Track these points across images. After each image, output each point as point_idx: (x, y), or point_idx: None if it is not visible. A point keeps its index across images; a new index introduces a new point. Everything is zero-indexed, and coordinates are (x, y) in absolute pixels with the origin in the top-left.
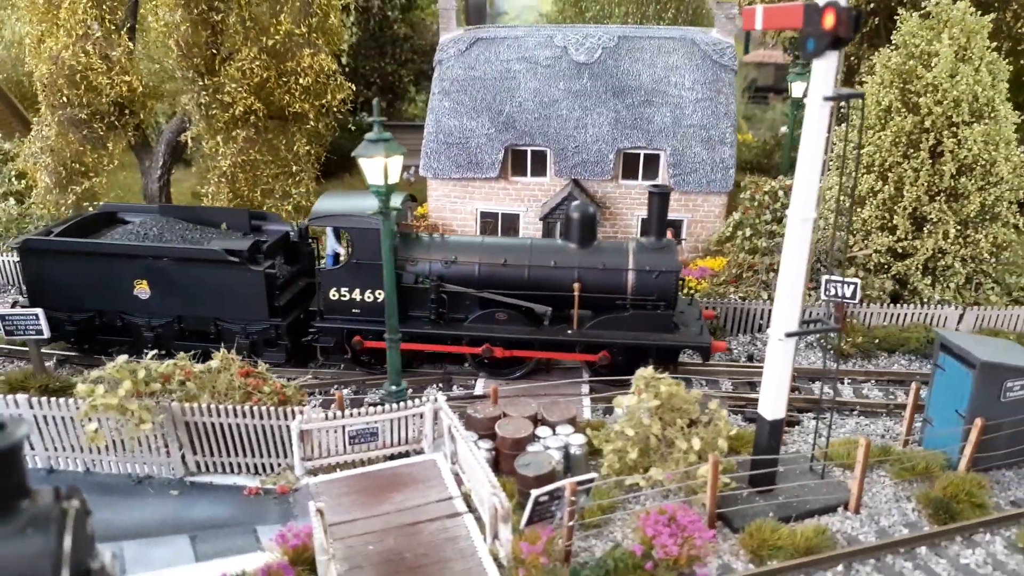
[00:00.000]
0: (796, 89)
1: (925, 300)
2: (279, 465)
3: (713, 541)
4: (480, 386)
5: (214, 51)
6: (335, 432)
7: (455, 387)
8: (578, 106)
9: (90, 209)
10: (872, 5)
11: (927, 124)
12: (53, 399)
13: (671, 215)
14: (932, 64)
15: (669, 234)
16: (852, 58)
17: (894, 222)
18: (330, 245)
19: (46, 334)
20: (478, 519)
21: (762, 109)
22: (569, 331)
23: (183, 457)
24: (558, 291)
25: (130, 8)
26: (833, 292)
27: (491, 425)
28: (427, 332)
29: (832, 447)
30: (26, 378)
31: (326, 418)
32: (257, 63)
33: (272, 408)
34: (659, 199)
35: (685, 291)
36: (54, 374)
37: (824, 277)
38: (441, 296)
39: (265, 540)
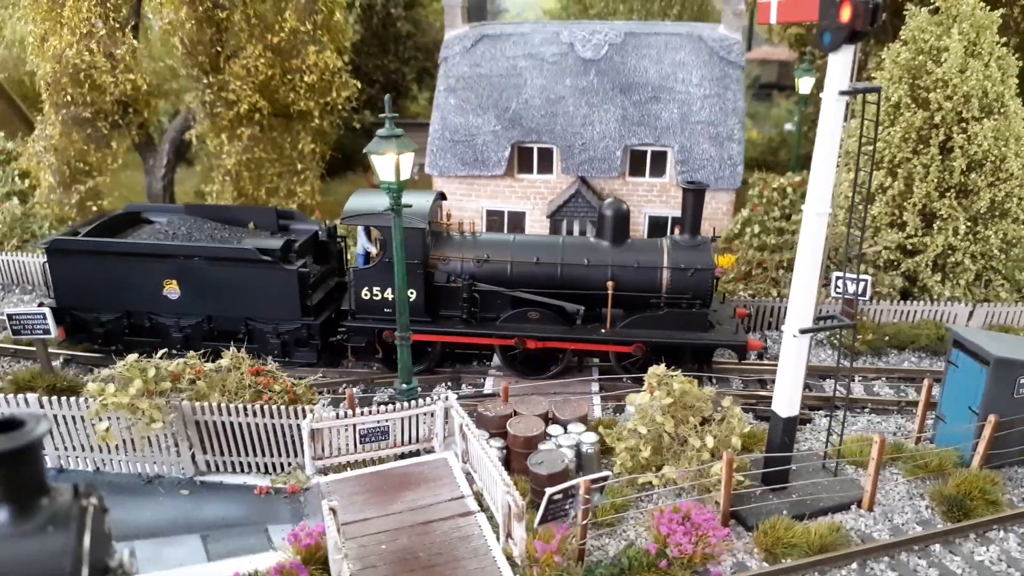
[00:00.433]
0: (803, 85)
1: (935, 297)
2: (289, 464)
3: (727, 539)
4: (490, 384)
5: (218, 49)
6: (346, 431)
7: (465, 386)
8: (585, 103)
9: (94, 208)
10: (880, 0)
11: (937, 120)
12: (64, 398)
13: (678, 213)
14: (942, 59)
15: (676, 232)
16: (860, 54)
17: (904, 219)
18: (361, 244)
19: (53, 334)
20: (490, 518)
21: (766, 106)
22: (602, 330)
23: (193, 456)
24: (591, 289)
25: (134, 6)
26: (844, 289)
27: (502, 423)
28: (459, 331)
29: (844, 445)
30: (33, 378)
31: (337, 417)
32: (262, 61)
33: (282, 407)
34: (694, 196)
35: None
36: (61, 374)
37: (835, 274)
38: (473, 295)
39: (277, 539)
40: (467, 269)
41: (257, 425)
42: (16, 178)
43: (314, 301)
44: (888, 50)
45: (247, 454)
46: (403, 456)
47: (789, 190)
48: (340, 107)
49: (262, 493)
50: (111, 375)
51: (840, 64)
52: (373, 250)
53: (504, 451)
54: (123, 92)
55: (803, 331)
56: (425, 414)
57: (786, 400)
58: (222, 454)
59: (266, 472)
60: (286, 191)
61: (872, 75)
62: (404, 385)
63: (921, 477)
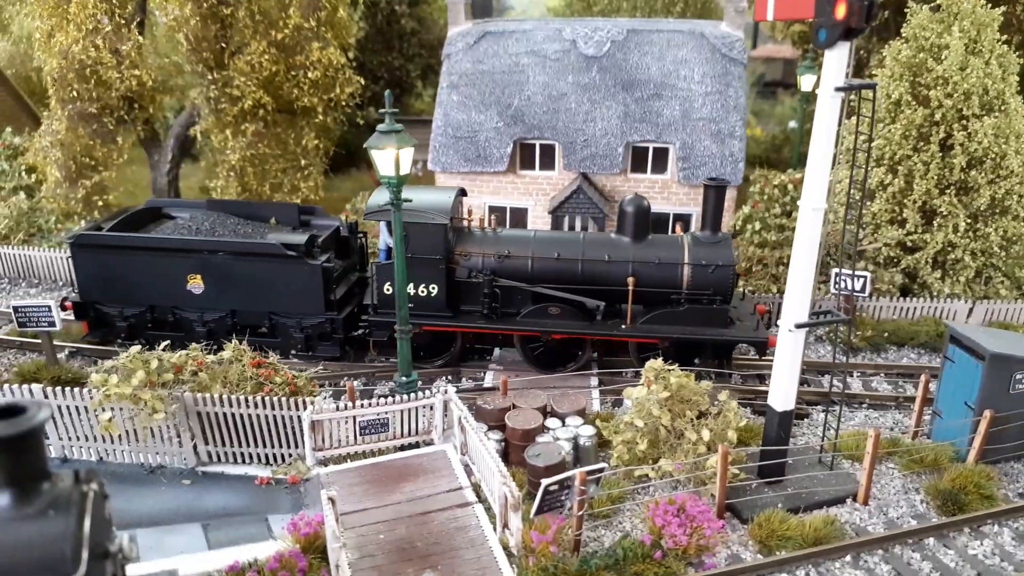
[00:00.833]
0: (805, 83)
1: (935, 294)
2: (290, 455)
3: (722, 531)
4: (490, 378)
5: (223, 45)
6: (346, 423)
7: (465, 379)
8: (587, 99)
9: (99, 203)
10: None
11: (937, 117)
12: (67, 389)
13: (679, 209)
14: (942, 57)
15: (679, 229)
16: (862, 52)
17: (904, 215)
18: (383, 239)
19: (58, 326)
20: (488, 509)
21: (771, 104)
22: (623, 326)
23: (195, 447)
24: (611, 285)
25: (139, 2)
26: (843, 285)
27: (501, 416)
28: (480, 326)
29: (841, 439)
30: (38, 369)
31: (337, 409)
32: (266, 57)
33: (283, 399)
34: (715, 192)
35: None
36: (66, 365)
37: (834, 270)
38: (494, 290)
39: (277, 529)
40: (488, 265)
41: (258, 416)
42: (23, 173)
43: (337, 296)
44: (889, 47)
45: (248, 445)
46: (403, 448)
47: (790, 187)
48: (344, 103)
49: (263, 483)
50: (114, 366)
51: (836, 61)
52: None
53: (503, 443)
54: (128, 88)
55: (799, 326)
56: (424, 407)
57: (782, 394)
58: (224, 445)
59: (267, 463)
60: (290, 187)
61: (873, 72)
62: (404, 378)
63: (917, 472)
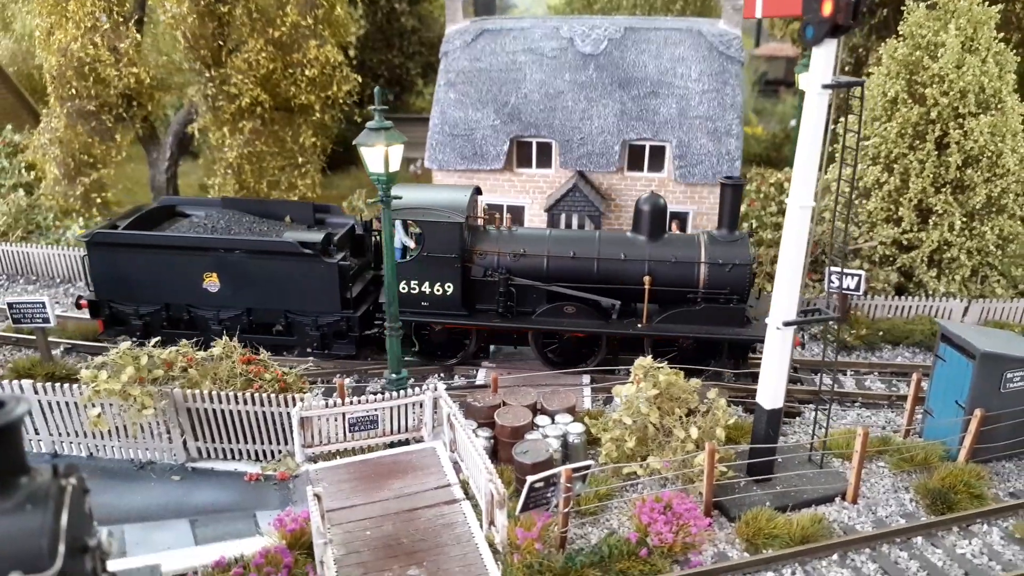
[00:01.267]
0: (803, 81)
1: (930, 292)
2: (280, 452)
3: (709, 529)
4: (482, 376)
5: (220, 43)
6: (335, 420)
7: (457, 376)
8: (584, 97)
9: (98, 200)
10: None
11: (933, 115)
12: (57, 384)
13: (676, 207)
14: (938, 55)
15: (674, 227)
16: (861, 50)
17: (899, 214)
18: (398, 238)
19: (52, 322)
20: (475, 506)
21: (772, 102)
22: (639, 325)
23: (185, 443)
24: (627, 284)
25: (138, 0)
26: (838, 284)
27: (490, 414)
28: (496, 325)
29: (832, 437)
30: (33, 366)
31: (326, 406)
32: (263, 55)
33: (273, 395)
34: (732, 191)
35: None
36: (60, 362)
37: (829, 269)
38: (510, 289)
39: (264, 525)
40: (503, 263)
41: (248, 413)
42: (23, 170)
43: (353, 294)
44: (886, 45)
45: (238, 441)
46: (392, 445)
47: (786, 185)
48: (341, 101)
49: (252, 480)
50: (104, 362)
51: (823, 58)
52: (411, 244)
53: (492, 441)
54: (127, 85)
55: (787, 323)
56: (414, 404)
57: (770, 392)
58: (213, 441)
59: (257, 459)
60: (287, 184)
61: (871, 71)
62: (393, 375)
63: (907, 471)
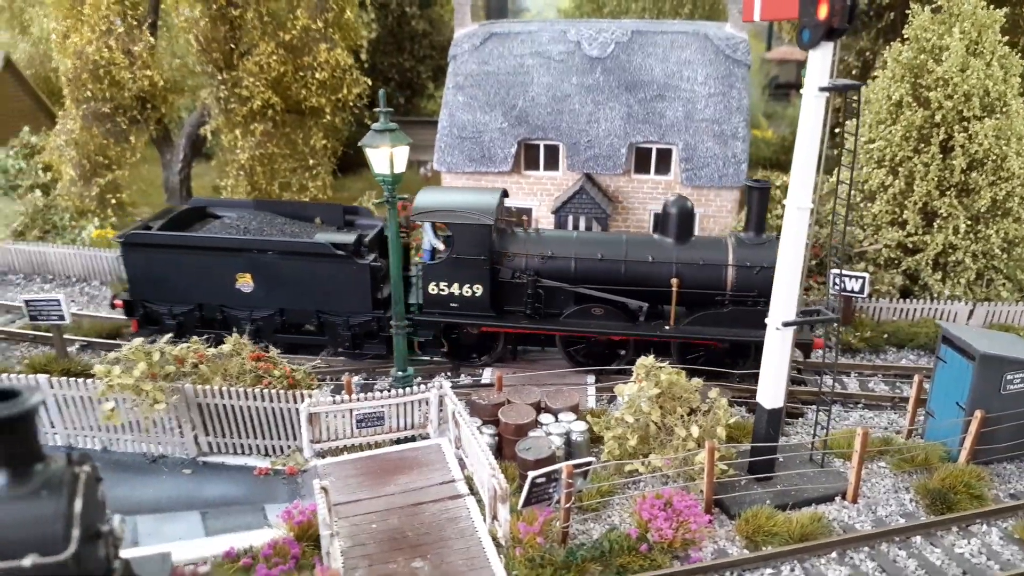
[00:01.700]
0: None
1: (935, 295)
2: (288, 447)
3: (709, 526)
4: (487, 375)
5: (232, 46)
6: (343, 416)
7: (463, 375)
8: (591, 100)
9: (112, 200)
10: (888, 0)
11: (938, 119)
12: (72, 379)
13: None
14: (943, 58)
15: None
16: (868, 53)
17: (904, 217)
18: (427, 239)
19: (67, 320)
20: (479, 501)
21: (783, 106)
22: (667, 327)
23: (196, 438)
24: (654, 286)
25: (152, 4)
26: (841, 286)
27: (495, 412)
28: (524, 326)
29: (833, 438)
30: (49, 362)
31: (334, 402)
32: (274, 58)
33: (281, 391)
34: (759, 193)
35: None
36: (76, 358)
37: (832, 271)
38: (538, 291)
39: (273, 518)
40: (531, 265)
41: (257, 409)
42: (39, 171)
43: (384, 294)
44: (890, 48)
45: (248, 436)
46: (399, 441)
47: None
48: (351, 104)
49: (261, 474)
50: (117, 358)
51: (819, 60)
52: (440, 246)
53: (496, 438)
54: (141, 88)
55: (786, 324)
56: (420, 401)
57: (770, 392)
58: (224, 436)
59: (266, 454)
60: (298, 186)
61: (876, 74)
62: (400, 372)
63: (907, 471)
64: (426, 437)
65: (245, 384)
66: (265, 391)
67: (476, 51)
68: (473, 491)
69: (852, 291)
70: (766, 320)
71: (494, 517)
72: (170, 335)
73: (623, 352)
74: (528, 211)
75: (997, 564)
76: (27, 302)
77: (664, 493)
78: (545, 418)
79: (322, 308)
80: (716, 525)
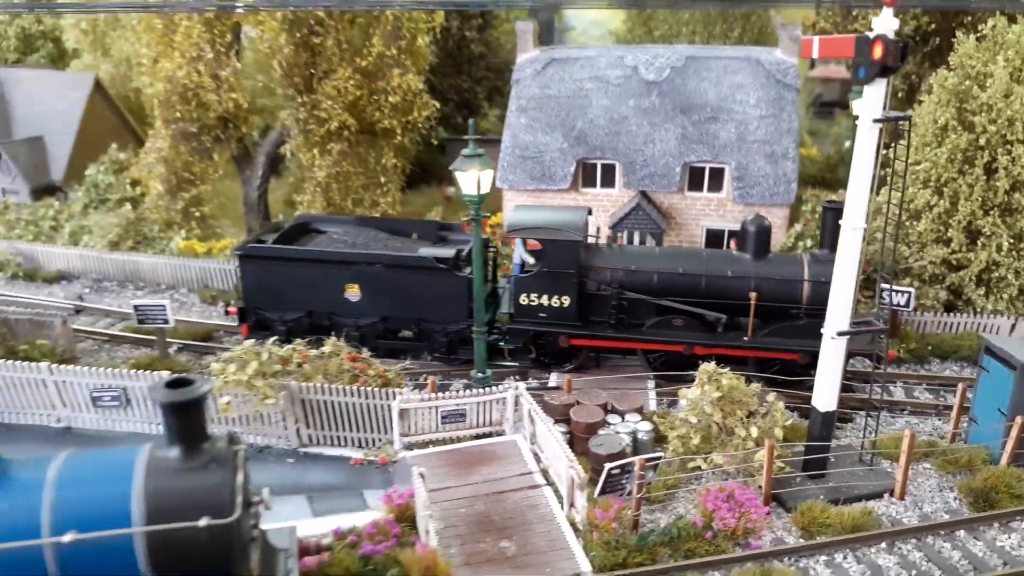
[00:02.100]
0: (856, 106)
1: (978, 310)
2: (380, 440)
3: (768, 518)
4: (553, 379)
5: (312, 71)
6: (430, 412)
7: (531, 379)
8: (647, 122)
9: (195, 214)
10: (933, 26)
11: (981, 142)
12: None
13: (734, 226)
14: (987, 84)
15: (732, 244)
16: (913, 76)
17: (949, 235)
18: (518, 254)
19: (171, 323)
20: (555, 492)
21: (827, 124)
22: (745, 338)
23: (298, 430)
24: (732, 299)
25: (235, 31)
26: (889, 300)
27: (566, 411)
28: (609, 336)
29: (881, 442)
30: (152, 362)
31: (422, 399)
32: (351, 82)
33: (376, 389)
34: (833, 214)
35: None
36: (176, 359)
37: (881, 286)
38: (622, 302)
39: (371, 501)
40: (616, 278)
41: (353, 404)
42: (127, 186)
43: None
44: (936, 75)
45: (344, 430)
46: (478, 437)
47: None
48: (420, 125)
49: (356, 464)
50: (231, 357)
51: (873, 95)
52: (530, 260)
53: (567, 436)
54: (226, 109)
55: (840, 333)
56: (498, 400)
57: (825, 396)
58: (322, 429)
59: (360, 446)
60: (370, 202)
61: (922, 98)
62: (479, 374)
63: (951, 472)
64: (502, 434)
65: (343, 382)
66: (361, 388)
67: (538, 76)
68: (549, 482)
69: (898, 305)
70: (822, 331)
71: (571, 504)
72: (275, 338)
73: (701, 362)
74: None
75: None
76: (136, 307)
77: (726, 487)
78: (612, 418)
79: (422, 316)
80: (774, 517)
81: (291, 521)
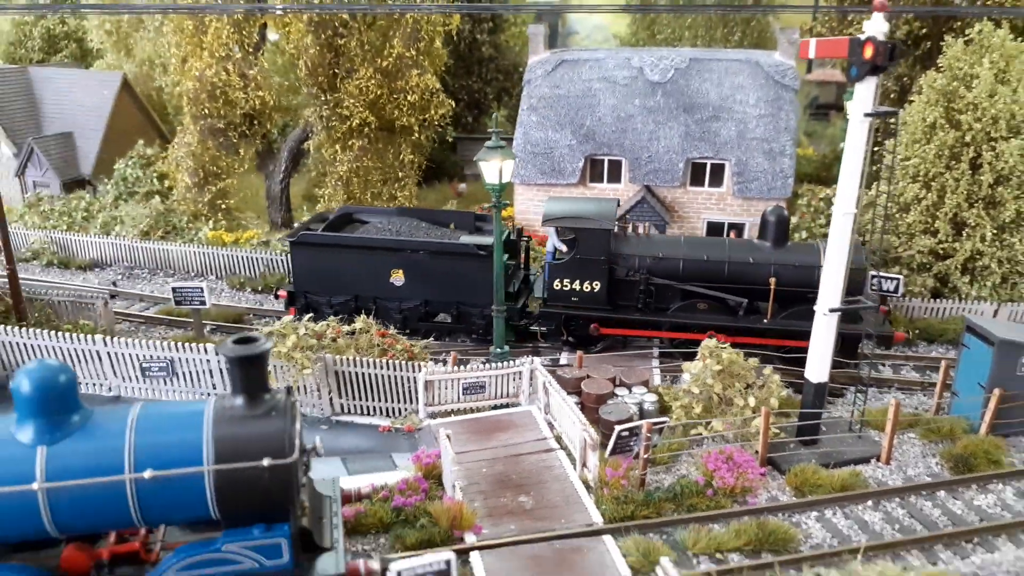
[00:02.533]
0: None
1: (963, 296)
2: (406, 409)
3: (763, 478)
4: (564, 358)
5: (335, 71)
6: (452, 384)
7: (543, 358)
8: (652, 120)
9: (221, 206)
10: (924, 31)
11: (967, 139)
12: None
13: (733, 219)
14: (973, 85)
15: (732, 236)
16: (905, 79)
17: (936, 226)
18: (551, 242)
19: (207, 305)
20: (568, 455)
21: (823, 125)
22: (764, 320)
23: (331, 400)
24: (753, 284)
25: (261, 32)
26: (878, 286)
27: (577, 384)
28: (637, 319)
29: (869, 414)
30: (188, 342)
31: (446, 372)
32: (372, 82)
33: (403, 362)
34: None
35: None
36: (210, 338)
37: (871, 273)
38: (649, 287)
39: (400, 463)
40: (643, 265)
41: (382, 376)
42: (155, 179)
43: (514, 289)
44: (926, 76)
45: (373, 400)
46: (495, 407)
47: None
48: (436, 123)
49: (385, 431)
50: (271, 331)
51: (865, 91)
52: (563, 247)
53: (579, 406)
54: (252, 107)
55: (832, 310)
56: (514, 374)
57: (817, 368)
58: (354, 399)
59: (387, 415)
60: (388, 195)
61: (912, 98)
62: (498, 350)
63: (934, 441)
64: (517, 405)
65: (373, 356)
66: (390, 361)
67: (548, 76)
68: (562, 447)
69: (887, 291)
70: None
71: (584, 464)
72: (310, 315)
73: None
74: None
75: (1010, 514)
76: (174, 288)
77: (726, 450)
78: (620, 391)
79: (462, 300)
80: (769, 478)
81: (331, 476)
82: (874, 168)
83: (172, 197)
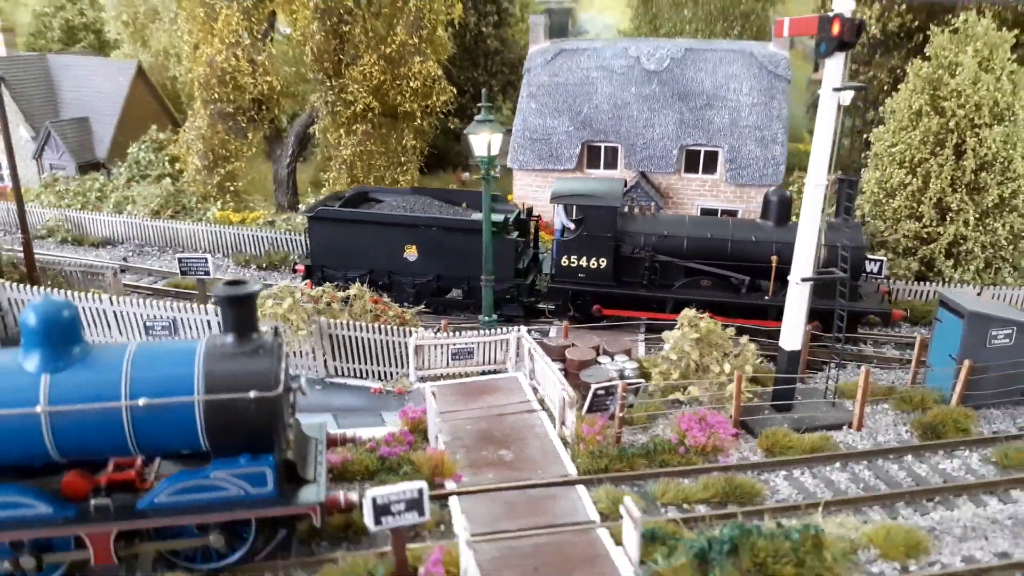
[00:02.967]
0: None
1: (947, 280)
2: (397, 372)
3: (735, 440)
4: (553, 331)
5: (340, 57)
6: (442, 349)
7: (531, 331)
8: (647, 108)
9: (229, 188)
10: (917, 23)
11: (951, 125)
12: None
13: (726, 206)
14: (957, 73)
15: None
16: (898, 71)
17: (921, 211)
18: (559, 220)
19: (212, 274)
20: (550, 416)
21: None
22: (766, 297)
23: (325, 362)
24: (755, 262)
25: (269, 19)
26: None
27: (562, 352)
28: (642, 295)
29: (845, 385)
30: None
31: (436, 337)
32: (376, 68)
33: (394, 327)
34: (847, 184)
35: None
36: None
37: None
38: (654, 264)
39: (388, 420)
40: (649, 243)
41: (374, 340)
42: (166, 162)
43: (523, 265)
44: (912, 65)
45: (366, 363)
46: (483, 373)
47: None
48: (438, 110)
49: (376, 393)
50: (269, 293)
51: (834, 66)
52: (571, 225)
53: (562, 372)
54: (260, 92)
55: (804, 279)
56: (502, 342)
57: (790, 336)
58: (347, 362)
59: (379, 378)
60: (391, 180)
61: (899, 87)
62: (487, 318)
63: (906, 411)
64: (504, 371)
65: (366, 320)
66: (382, 326)
67: (548, 65)
68: (545, 409)
69: (872, 272)
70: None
71: (562, 423)
72: (306, 280)
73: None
74: None
75: (973, 477)
76: (180, 259)
77: (700, 411)
78: (603, 358)
79: (473, 275)
80: (741, 440)
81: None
82: (862, 156)
83: (182, 179)
